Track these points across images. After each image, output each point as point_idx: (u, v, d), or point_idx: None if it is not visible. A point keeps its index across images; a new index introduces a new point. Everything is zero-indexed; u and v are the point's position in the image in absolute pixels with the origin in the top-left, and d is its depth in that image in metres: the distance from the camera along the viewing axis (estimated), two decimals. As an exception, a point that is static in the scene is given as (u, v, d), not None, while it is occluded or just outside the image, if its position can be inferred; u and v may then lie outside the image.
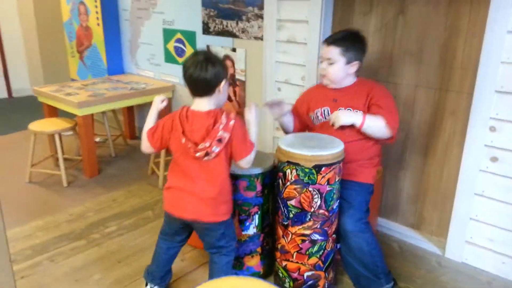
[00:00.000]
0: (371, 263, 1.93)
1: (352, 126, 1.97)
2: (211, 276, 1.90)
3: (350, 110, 2.02)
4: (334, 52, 2.00)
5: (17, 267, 2.23)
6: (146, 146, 1.85)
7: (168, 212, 1.86)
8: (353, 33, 2.07)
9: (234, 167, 1.94)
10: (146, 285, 2.01)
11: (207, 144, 1.68)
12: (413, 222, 2.59)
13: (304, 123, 2.25)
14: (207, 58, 1.69)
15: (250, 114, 1.83)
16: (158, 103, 1.87)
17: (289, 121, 2.22)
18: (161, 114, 1.90)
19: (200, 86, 1.71)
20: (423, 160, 2.48)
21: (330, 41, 2.03)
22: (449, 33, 2.25)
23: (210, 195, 1.75)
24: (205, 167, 1.74)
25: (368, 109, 2.01)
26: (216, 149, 1.69)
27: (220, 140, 1.69)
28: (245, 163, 1.77)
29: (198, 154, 1.69)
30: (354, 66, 2.03)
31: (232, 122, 1.71)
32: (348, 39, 2.02)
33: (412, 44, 2.39)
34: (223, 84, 1.74)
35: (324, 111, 2.10)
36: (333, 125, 1.97)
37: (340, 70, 2.01)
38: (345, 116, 1.94)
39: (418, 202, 2.55)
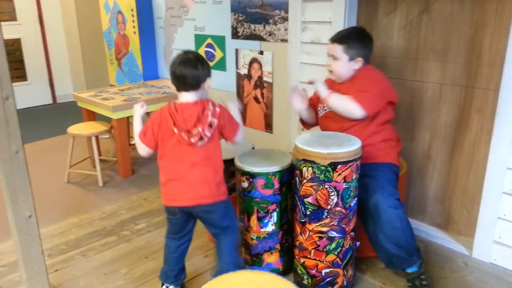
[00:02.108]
0: (403, 240, 1.90)
1: None
2: (220, 256, 1.98)
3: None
4: (337, 49, 2.07)
5: (52, 261, 2.36)
6: (141, 148, 1.92)
7: (168, 205, 1.92)
8: (357, 31, 2.14)
9: (252, 165, 1.99)
10: (162, 285, 2.05)
11: (200, 129, 1.79)
12: (440, 221, 2.53)
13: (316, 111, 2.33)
14: (197, 57, 1.86)
15: (232, 105, 2.01)
16: (139, 109, 1.98)
17: (310, 116, 2.31)
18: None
19: (189, 81, 1.83)
20: (450, 158, 2.42)
21: (334, 38, 2.11)
22: (475, 30, 2.20)
23: (208, 178, 1.85)
24: (200, 152, 1.83)
25: None
26: (208, 133, 1.81)
27: (210, 125, 1.82)
28: (238, 140, 1.96)
29: (193, 139, 1.80)
30: (358, 63, 2.08)
31: (218, 109, 1.86)
32: (351, 37, 2.08)
33: (437, 42, 2.35)
34: (208, 82, 1.88)
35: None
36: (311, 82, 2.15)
37: (344, 66, 2.09)
38: (318, 86, 2.10)
39: (445, 201, 2.49)
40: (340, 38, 2.09)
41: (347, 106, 1.99)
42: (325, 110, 2.19)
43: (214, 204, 1.87)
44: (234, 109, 2.00)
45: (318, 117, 2.28)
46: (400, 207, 1.92)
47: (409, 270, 1.99)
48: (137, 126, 1.95)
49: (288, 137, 3.12)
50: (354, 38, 2.08)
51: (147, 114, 2.02)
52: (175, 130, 1.80)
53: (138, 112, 1.97)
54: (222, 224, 1.93)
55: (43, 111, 5.80)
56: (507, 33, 2.02)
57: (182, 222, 1.96)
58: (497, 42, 2.13)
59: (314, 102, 2.32)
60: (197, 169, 1.83)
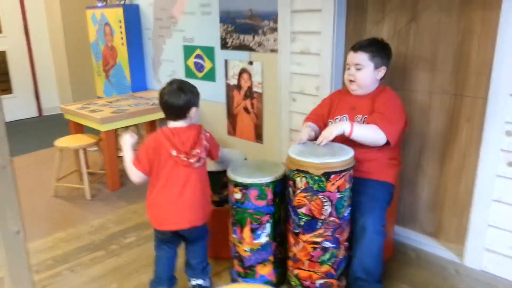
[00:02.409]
0: (373, 267, 1.91)
1: None
2: (192, 255, 2.07)
3: (340, 119, 2.12)
4: (363, 57, 2.06)
5: (39, 276, 2.30)
6: (134, 174, 1.90)
7: (159, 229, 1.95)
8: (379, 40, 2.15)
9: (246, 176, 1.97)
10: None
11: (198, 151, 1.89)
12: (431, 230, 2.54)
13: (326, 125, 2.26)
14: (180, 87, 1.90)
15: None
16: (129, 139, 1.98)
17: (314, 131, 2.20)
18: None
19: (174, 111, 1.91)
20: (440, 167, 2.44)
21: (357, 47, 2.09)
22: (462, 38, 2.23)
23: (201, 200, 1.93)
24: (195, 174, 1.90)
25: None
26: (204, 155, 1.93)
27: (205, 148, 1.94)
28: (219, 158, 2.11)
29: (192, 160, 1.87)
30: (381, 71, 2.09)
31: (208, 134, 1.99)
32: (374, 45, 2.09)
33: (425, 51, 2.38)
34: (194, 111, 1.93)
35: (343, 118, 2.14)
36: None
37: (370, 75, 2.07)
38: (333, 130, 1.96)
39: (435, 209, 2.50)
40: (364, 46, 2.08)
41: (376, 136, 1.96)
42: None
43: (202, 225, 1.97)
44: (334, 130, 1.97)
45: None
46: (383, 235, 1.92)
47: None
48: (128, 155, 1.93)
49: (279, 147, 3.11)
50: (378, 47, 2.09)
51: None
52: (174, 153, 1.85)
53: (128, 142, 1.96)
54: (200, 235, 2.03)
55: (29, 124, 5.72)
56: (493, 41, 2.05)
57: (172, 238, 2.01)
58: (484, 50, 2.16)
59: (322, 113, 2.27)
60: (193, 190, 1.89)
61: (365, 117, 2.06)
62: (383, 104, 2.03)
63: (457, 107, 2.32)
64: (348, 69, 2.13)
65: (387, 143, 1.98)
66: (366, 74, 2.07)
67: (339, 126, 1.97)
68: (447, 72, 2.32)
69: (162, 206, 1.90)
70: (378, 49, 2.08)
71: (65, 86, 6.06)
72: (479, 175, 2.15)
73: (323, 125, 2.23)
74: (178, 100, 1.87)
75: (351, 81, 2.12)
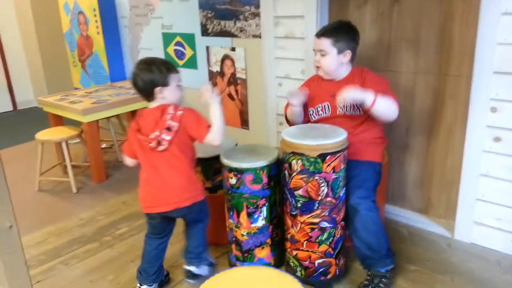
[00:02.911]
0: (376, 243, 1.94)
1: (349, 117, 2.06)
2: (191, 238, 2.05)
3: (322, 108, 2.12)
4: (326, 43, 2.04)
5: (32, 272, 2.26)
6: (125, 160, 2.01)
7: (147, 212, 1.94)
8: (343, 24, 2.12)
9: (240, 161, 1.98)
10: (139, 285, 2.03)
11: (157, 133, 1.79)
12: (420, 206, 2.61)
13: (305, 116, 2.28)
14: (142, 68, 1.83)
15: (206, 94, 1.89)
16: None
17: (300, 112, 2.22)
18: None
19: (139, 92, 1.88)
20: (427, 144, 2.50)
21: (321, 33, 2.08)
22: (444, 19, 2.27)
23: (180, 183, 1.86)
24: (165, 157, 1.83)
25: None
26: (166, 137, 1.79)
27: (169, 129, 1.80)
28: (211, 141, 1.83)
29: (151, 144, 1.81)
30: (346, 56, 2.07)
31: (179, 112, 1.83)
32: (338, 30, 2.07)
33: (408, 32, 2.41)
34: (159, 91, 1.83)
35: (324, 106, 2.15)
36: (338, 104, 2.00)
37: (333, 60, 2.06)
38: (354, 93, 1.89)
39: (424, 186, 2.57)
40: (328, 31, 2.06)
41: (393, 107, 1.96)
42: (321, 115, 2.16)
43: (190, 206, 1.90)
44: (215, 108, 1.86)
45: (311, 121, 2.21)
46: (375, 210, 1.95)
47: (381, 269, 1.99)
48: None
49: (266, 132, 3.12)
50: (342, 31, 2.07)
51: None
52: (139, 136, 1.83)
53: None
54: (197, 218, 2.00)
55: (3, 119, 5.55)
56: (475, 20, 2.09)
57: (162, 224, 1.99)
58: (466, 30, 2.21)
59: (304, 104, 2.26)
60: (168, 175, 1.84)
61: (356, 104, 2.05)
62: (376, 83, 2.04)
63: (442, 86, 2.37)
64: (315, 54, 2.12)
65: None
66: (329, 59, 2.06)
67: (361, 94, 1.89)
68: (430, 53, 2.37)
69: (145, 189, 1.91)
70: (341, 34, 2.05)
71: (39, 79, 5.89)
72: (466, 151, 2.21)
73: (305, 114, 2.25)
74: (138, 81, 1.82)
75: (317, 67, 2.13)
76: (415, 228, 2.50)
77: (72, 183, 3.24)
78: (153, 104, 1.87)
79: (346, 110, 2.08)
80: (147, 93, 1.85)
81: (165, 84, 1.83)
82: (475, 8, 2.10)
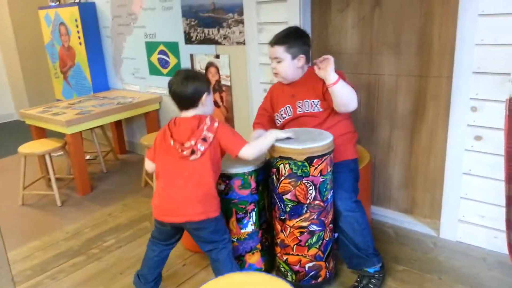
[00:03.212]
0: (362, 243, 1.98)
1: (310, 116, 2.10)
2: (217, 274, 1.91)
3: (284, 111, 2.17)
4: (279, 50, 2.10)
5: None
6: (146, 163, 1.99)
7: (158, 220, 1.91)
8: (293, 30, 2.18)
9: (228, 167, 1.98)
10: None
11: (193, 143, 1.80)
12: (406, 207, 2.65)
13: (273, 121, 2.32)
14: (187, 75, 1.87)
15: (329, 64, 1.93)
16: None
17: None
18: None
19: (184, 101, 1.88)
20: (410, 145, 2.54)
21: (273, 41, 2.14)
22: (424, 21, 2.33)
23: (199, 195, 1.82)
24: (192, 167, 1.82)
25: (325, 93, 2.06)
26: (201, 147, 1.81)
27: (204, 139, 1.81)
28: (245, 155, 1.85)
29: (185, 153, 1.80)
30: (300, 60, 2.12)
31: (216, 124, 1.86)
32: (289, 37, 2.12)
33: (390, 35, 2.46)
34: (205, 97, 1.88)
35: (286, 109, 2.19)
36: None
37: (289, 66, 2.11)
38: (332, 72, 1.94)
39: (409, 187, 2.61)
40: (279, 39, 2.12)
41: (352, 94, 1.97)
42: (284, 117, 2.20)
43: (203, 221, 1.85)
44: (270, 138, 1.90)
45: (279, 125, 2.25)
46: (358, 209, 1.99)
47: (368, 270, 2.03)
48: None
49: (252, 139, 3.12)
50: (293, 37, 2.12)
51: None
52: (172, 142, 1.83)
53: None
54: (212, 239, 1.90)
55: None
56: (454, 22, 2.14)
57: (171, 233, 1.96)
58: (445, 32, 2.27)
59: (269, 110, 2.33)
60: (188, 185, 1.82)
61: (306, 101, 2.11)
62: (318, 77, 2.06)
63: (423, 88, 2.42)
64: (272, 62, 2.18)
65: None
66: (285, 65, 2.11)
67: (330, 72, 1.93)
68: (411, 55, 2.41)
69: (161, 197, 1.88)
70: (293, 40, 2.11)
71: (19, 91, 5.81)
72: (449, 151, 2.26)
73: (271, 121, 2.31)
74: (186, 88, 1.84)
75: (275, 73, 2.19)
76: (401, 228, 2.54)
77: (57, 196, 3.19)
78: (189, 113, 1.88)
79: (305, 109, 2.13)
80: (193, 99, 1.86)
81: (208, 91, 1.90)
82: (454, 10, 2.15)
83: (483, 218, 2.23)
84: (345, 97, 1.97)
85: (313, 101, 2.09)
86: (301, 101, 2.12)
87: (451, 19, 2.20)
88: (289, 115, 2.18)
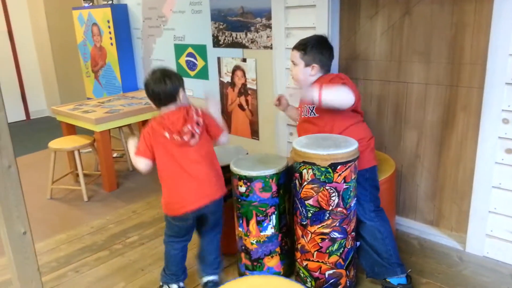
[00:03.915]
0: (384, 251, 1.98)
1: (309, 122, 2.12)
2: (206, 249, 2.11)
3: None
4: (296, 55, 2.16)
5: (44, 279, 2.27)
6: (139, 162, 1.97)
7: (177, 215, 1.95)
8: (314, 38, 2.19)
9: (249, 169, 1.99)
10: (167, 285, 2.09)
11: (190, 127, 1.91)
12: (431, 218, 2.59)
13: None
14: (163, 74, 1.95)
15: (210, 106, 2.08)
16: (132, 141, 2.06)
17: (295, 114, 2.42)
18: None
19: (164, 98, 1.95)
20: (438, 156, 2.49)
21: (294, 46, 2.20)
22: (455, 30, 2.28)
23: (211, 174, 1.96)
24: (197, 150, 1.94)
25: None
26: (197, 130, 1.93)
27: (198, 123, 1.94)
28: (223, 139, 2.06)
29: (185, 138, 1.90)
30: (314, 69, 2.12)
31: (199, 110, 2.00)
32: (307, 44, 2.14)
33: (419, 44, 2.42)
34: (181, 92, 1.98)
35: (298, 110, 2.28)
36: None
37: (300, 72, 2.15)
38: (303, 94, 1.99)
39: (435, 198, 2.55)
40: (299, 45, 2.17)
41: (340, 91, 1.94)
42: (303, 115, 2.21)
43: (219, 200, 2.00)
44: (214, 110, 2.08)
45: (298, 122, 2.29)
46: (377, 219, 2.00)
47: (391, 280, 2.01)
48: (132, 151, 2.02)
49: (276, 143, 3.13)
50: (311, 45, 2.13)
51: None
52: (167, 135, 1.90)
53: (132, 143, 2.05)
54: (219, 221, 2.07)
55: (16, 128, 5.63)
56: (487, 32, 2.10)
57: (190, 226, 2.02)
58: (477, 41, 2.22)
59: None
60: (200, 166, 1.93)
61: (305, 106, 2.13)
62: (326, 79, 2.07)
63: (453, 98, 2.37)
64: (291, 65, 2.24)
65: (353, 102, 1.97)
66: (297, 70, 2.16)
67: (308, 94, 1.94)
68: (441, 64, 2.37)
69: (175, 191, 1.93)
70: (309, 48, 2.12)
71: (52, 89, 5.99)
72: (478, 163, 2.20)
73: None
74: (165, 86, 1.92)
75: (291, 76, 2.24)
76: (426, 240, 2.48)
77: (84, 191, 3.27)
78: (170, 108, 1.96)
79: (305, 113, 2.15)
80: (171, 96, 1.95)
81: (183, 88, 2.00)
82: (487, 19, 2.11)
83: (512, 233, 2.17)
84: (336, 101, 1.95)
85: (309, 106, 2.11)
86: (304, 106, 2.16)
87: (484, 29, 2.15)
88: (300, 117, 2.25)
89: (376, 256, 1.99)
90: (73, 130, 3.72)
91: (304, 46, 2.14)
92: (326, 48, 2.16)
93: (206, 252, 2.10)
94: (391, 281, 2.00)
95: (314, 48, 2.13)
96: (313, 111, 2.10)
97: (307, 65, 2.13)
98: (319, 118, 2.08)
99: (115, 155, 4.13)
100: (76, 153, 3.29)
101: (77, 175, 3.39)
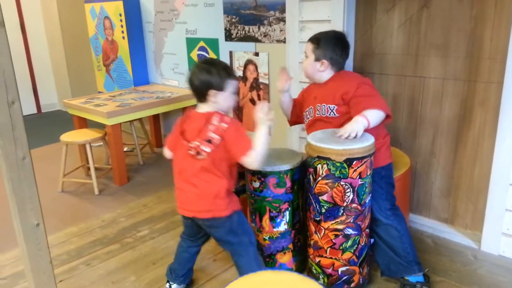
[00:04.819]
0: (401, 249, 1.95)
1: (325, 121, 2.04)
2: (237, 270, 1.94)
3: (308, 112, 2.14)
4: (309, 48, 2.10)
5: (55, 271, 2.21)
6: (165, 151, 1.94)
7: (178, 211, 1.91)
8: (330, 34, 2.11)
9: (264, 164, 1.95)
10: (168, 282, 2.05)
11: (197, 143, 1.74)
12: (446, 216, 2.55)
13: (300, 118, 2.30)
14: (201, 67, 1.78)
15: (258, 114, 1.78)
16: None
17: (288, 103, 2.31)
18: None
19: (193, 92, 1.82)
20: (454, 153, 2.44)
21: (310, 37, 2.13)
22: (475, 24, 2.23)
23: (205, 193, 1.77)
24: (200, 166, 1.76)
25: (349, 104, 1.98)
26: (206, 149, 1.73)
27: (209, 141, 1.73)
28: (248, 162, 1.73)
29: (191, 152, 1.76)
30: (323, 64, 2.05)
31: (224, 125, 1.74)
32: (321, 39, 2.07)
33: (437, 37, 2.37)
34: (213, 94, 1.76)
35: (310, 109, 2.15)
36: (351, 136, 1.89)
37: (309, 65, 2.09)
38: (357, 128, 1.84)
39: (450, 196, 2.50)
40: (313, 38, 2.10)
41: (380, 114, 1.90)
42: (308, 118, 2.16)
43: (212, 219, 1.80)
44: (261, 132, 1.75)
45: (306, 124, 2.21)
46: (393, 217, 1.97)
47: (410, 278, 1.98)
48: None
49: (289, 138, 3.10)
50: (324, 41, 2.06)
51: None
52: (182, 141, 1.80)
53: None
54: (225, 238, 1.86)
55: (27, 121, 5.55)
56: (508, 27, 2.05)
57: (194, 227, 1.94)
58: (497, 36, 2.16)
59: (298, 106, 2.30)
60: (194, 181, 1.78)
61: (324, 105, 2.04)
62: (356, 87, 1.96)
63: (471, 93, 2.32)
64: None
65: (388, 116, 1.94)
66: (306, 63, 2.11)
67: (360, 125, 1.84)
68: (460, 58, 2.32)
69: (178, 190, 1.87)
70: (323, 43, 2.05)
71: (63, 82, 6.00)
72: (496, 160, 2.15)
73: (295, 114, 2.32)
74: (195, 79, 1.77)
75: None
76: (440, 238, 2.44)
77: (95, 184, 3.27)
78: (202, 108, 1.81)
79: (322, 113, 2.06)
80: (200, 93, 1.79)
81: (220, 88, 1.77)
82: (508, 13, 2.05)
83: (530, 232, 2.12)
84: (380, 118, 1.91)
85: (329, 106, 2.02)
86: (319, 104, 2.07)
87: (505, 22, 2.10)
88: (311, 116, 2.14)
89: (393, 254, 1.96)
90: (84, 123, 3.72)
91: (317, 40, 2.08)
92: (340, 45, 2.08)
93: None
94: (409, 279, 1.97)
95: (327, 43, 2.06)
96: (334, 111, 2.01)
97: (317, 59, 2.06)
98: (338, 117, 2.01)
99: (125, 149, 4.13)
100: (87, 146, 3.28)
101: (88, 168, 3.39)
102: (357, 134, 1.83)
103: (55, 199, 3.23)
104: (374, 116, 1.89)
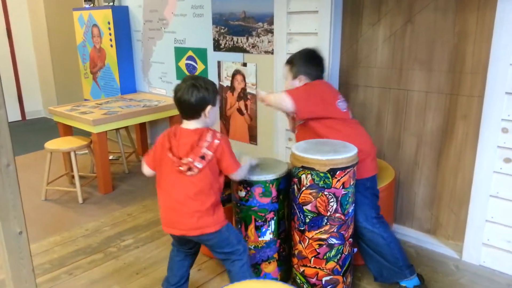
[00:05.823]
0: (390, 255, 1.98)
1: (305, 125, 2.16)
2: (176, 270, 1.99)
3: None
4: (286, 69, 2.29)
5: (37, 280, 2.21)
6: (143, 166, 1.93)
7: (163, 229, 1.90)
8: (303, 52, 2.31)
9: (249, 174, 1.97)
10: None
11: (190, 159, 1.75)
12: (428, 227, 2.58)
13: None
14: (194, 84, 1.78)
15: (244, 160, 1.95)
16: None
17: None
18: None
19: (187, 110, 1.80)
20: (437, 164, 2.48)
21: (286, 60, 2.33)
22: (457, 39, 2.29)
23: (194, 210, 1.77)
24: (188, 182, 1.77)
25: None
26: (198, 164, 1.75)
27: (203, 157, 1.76)
28: (235, 177, 1.91)
29: (181, 168, 1.75)
30: (301, 80, 2.22)
31: (216, 142, 1.78)
32: (295, 57, 2.28)
33: (421, 52, 2.43)
34: (209, 109, 1.80)
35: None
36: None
37: (289, 84, 2.26)
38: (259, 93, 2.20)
39: (433, 207, 2.54)
40: (288, 60, 2.30)
41: (279, 97, 2.12)
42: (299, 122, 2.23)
43: (201, 236, 1.81)
44: (246, 164, 1.94)
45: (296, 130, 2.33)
46: (379, 225, 2.01)
47: (403, 284, 2.01)
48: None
49: (275, 148, 3.12)
50: (298, 59, 2.25)
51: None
52: (170, 155, 1.78)
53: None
54: (222, 250, 1.87)
55: (11, 128, 5.50)
56: (488, 42, 2.11)
57: (183, 240, 1.92)
58: (479, 50, 2.22)
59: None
60: (184, 200, 1.78)
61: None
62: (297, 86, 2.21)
63: (453, 106, 2.37)
64: None
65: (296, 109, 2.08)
66: (287, 83, 2.28)
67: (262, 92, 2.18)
68: (443, 72, 2.37)
69: (162, 207, 1.87)
70: (296, 61, 2.25)
71: (49, 89, 5.95)
72: (477, 172, 2.20)
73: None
74: (191, 97, 1.75)
75: None
76: (423, 248, 2.48)
77: (79, 193, 3.24)
78: (191, 124, 1.81)
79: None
80: (195, 110, 1.78)
81: (214, 103, 1.82)
82: (489, 29, 2.11)
83: (510, 243, 2.16)
84: (275, 103, 2.14)
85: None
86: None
87: (486, 37, 2.16)
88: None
89: (383, 260, 2.00)
90: (69, 131, 3.69)
91: (291, 60, 2.27)
92: (312, 60, 2.26)
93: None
94: (406, 285, 2.00)
95: (300, 60, 2.25)
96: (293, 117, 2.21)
97: (294, 77, 2.23)
98: (300, 126, 2.17)
99: (111, 157, 4.11)
100: (72, 154, 3.26)
101: (73, 176, 3.36)
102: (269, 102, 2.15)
103: (38, 207, 3.19)
104: (275, 95, 2.17)
